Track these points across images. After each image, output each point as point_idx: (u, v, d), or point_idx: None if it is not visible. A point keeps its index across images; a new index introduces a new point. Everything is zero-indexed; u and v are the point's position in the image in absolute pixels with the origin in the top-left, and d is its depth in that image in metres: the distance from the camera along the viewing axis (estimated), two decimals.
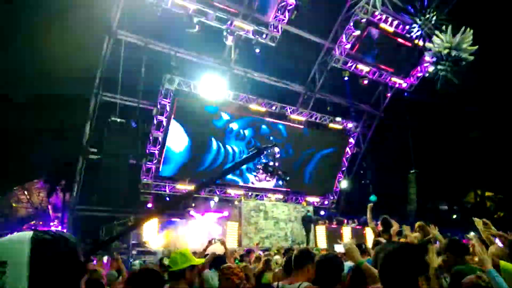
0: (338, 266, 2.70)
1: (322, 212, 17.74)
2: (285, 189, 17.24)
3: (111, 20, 12.25)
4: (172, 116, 14.21)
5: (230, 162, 15.59)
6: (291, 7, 13.83)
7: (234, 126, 15.82)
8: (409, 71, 18.07)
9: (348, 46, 15.76)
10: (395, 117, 18.26)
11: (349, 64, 16.25)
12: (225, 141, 15.63)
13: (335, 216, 18.11)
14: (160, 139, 14.36)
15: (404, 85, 18.18)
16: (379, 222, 6.71)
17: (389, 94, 18.33)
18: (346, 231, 15.74)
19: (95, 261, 7.08)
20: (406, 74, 18.11)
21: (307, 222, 14.48)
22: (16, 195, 15.97)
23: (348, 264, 3.21)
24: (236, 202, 15.14)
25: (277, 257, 7.05)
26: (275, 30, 14.21)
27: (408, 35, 15.78)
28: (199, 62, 14.27)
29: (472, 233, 4.65)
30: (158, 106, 13.92)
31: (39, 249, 0.90)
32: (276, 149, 16.59)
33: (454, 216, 23.99)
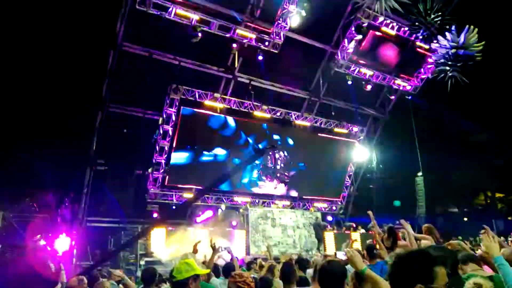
0: (341, 273, 2.63)
1: (329, 218, 17.61)
2: (292, 196, 17.19)
3: (115, 32, 12.41)
4: (178, 125, 14.28)
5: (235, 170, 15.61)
6: (292, 14, 13.93)
7: (241, 135, 15.85)
8: (412, 73, 18.05)
9: (351, 50, 15.80)
10: (401, 120, 18.20)
11: (352, 68, 16.28)
12: (232, 149, 15.64)
13: (343, 221, 17.98)
14: (166, 148, 14.42)
15: (408, 87, 18.15)
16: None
17: (393, 97, 18.28)
18: (355, 237, 15.57)
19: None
20: (410, 76, 18.08)
21: (320, 229, 14.40)
22: (26, 207, 16.07)
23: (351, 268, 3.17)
24: (241, 210, 15.06)
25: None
26: (277, 37, 14.30)
27: (410, 38, 15.87)
28: (203, 71, 14.38)
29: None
30: (164, 116, 14.01)
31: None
32: (282, 154, 16.61)
33: (465, 219, 23.68)
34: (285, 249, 14.13)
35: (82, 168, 13.51)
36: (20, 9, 12.05)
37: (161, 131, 14.14)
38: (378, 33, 15.89)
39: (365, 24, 14.86)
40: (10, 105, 12.55)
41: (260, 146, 15.73)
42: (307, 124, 16.93)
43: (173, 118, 14.21)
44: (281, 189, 17.01)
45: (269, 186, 16.70)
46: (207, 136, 15.03)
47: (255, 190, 16.45)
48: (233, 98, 14.99)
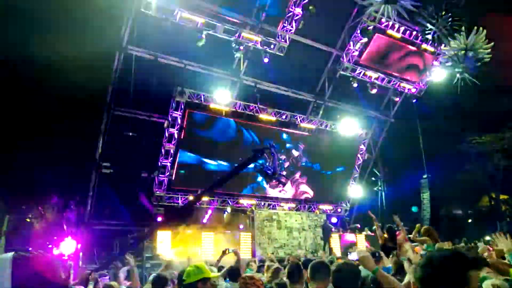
0: (356, 274, 2.67)
1: (334, 220, 17.57)
2: (297, 198, 17.16)
3: (121, 36, 12.47)
4: (184, 129, 14.31)
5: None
6: (298, 17, 13.96)
7: (248, 136, 15.85)
8: (417, 76, 18.01)
9: (356, 53, 15.81)
10: (406, 122, 18.17)
11: (357, 71, 16.27)
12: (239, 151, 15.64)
13: (349, 223, 17.94)
14: (172, 151, 14.43)
15: (413, 90, 18.11)
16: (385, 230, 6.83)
17: (398, 99, 18.23)
18: (361, 239, 15.54)
19: (107, 278, 6.90)
20: (415, 78, 18.05)
21: (328, 231, 14.41)
22: (31, 210, 16.09)
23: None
24: (248, 212, 15.05)
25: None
26: (283, 40, 14.32)
27: (416, 41, 15.86)
28: (209, 74, 14.42)
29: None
30: (169, 119, 14.03)
31: (20, 268, 1.12)
32: (283, 156, 16.58)
33: (469, 221, 23.58)
34: (290, 251, 14.10)
35: (87, 171, 13.53)
36: (21, 11, 12.12)
37: (167, 134, 14.17)
38: (383, 36, 15.88)
39: (371, 27, 14.86)
40: (14, 108, 12.60)
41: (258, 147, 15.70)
42: (313, 126, 16.92)
43: (179, 121, 14.24)
44: (288, 191, 16.97)
45: (276, 190, 16.70)
46: (215, 138, 15.07)
47: (263, 193, 16.45)
48: (239, 101, 15.02)
